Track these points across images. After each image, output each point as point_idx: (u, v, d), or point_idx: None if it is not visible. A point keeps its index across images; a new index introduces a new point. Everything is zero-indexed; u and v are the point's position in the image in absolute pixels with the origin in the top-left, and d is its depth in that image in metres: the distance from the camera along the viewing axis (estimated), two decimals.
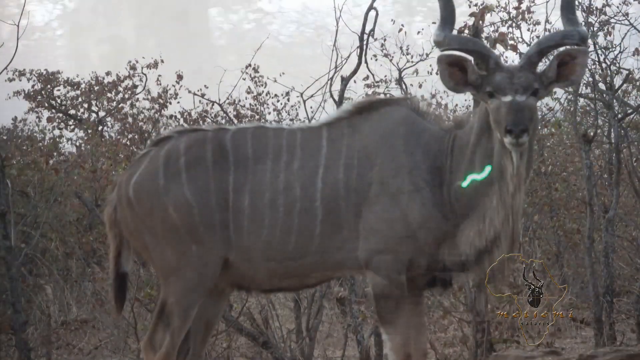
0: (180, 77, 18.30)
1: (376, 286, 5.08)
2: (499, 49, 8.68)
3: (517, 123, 4.84)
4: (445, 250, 5.14)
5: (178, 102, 24.20)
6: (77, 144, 19.53)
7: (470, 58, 5.04)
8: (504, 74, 5.00)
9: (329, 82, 9.72)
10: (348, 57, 9.74)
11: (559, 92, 10.83)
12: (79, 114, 20.41)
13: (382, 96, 6.09)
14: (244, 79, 16.43)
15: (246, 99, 17.28)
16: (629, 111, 10.92)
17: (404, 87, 11.90)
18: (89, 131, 17.85)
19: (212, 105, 14.88)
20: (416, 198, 5.06)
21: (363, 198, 5.04)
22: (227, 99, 12.92)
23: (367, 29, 9.45)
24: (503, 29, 9.96)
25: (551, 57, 5.24)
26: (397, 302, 5.10)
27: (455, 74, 5.00)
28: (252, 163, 5.08)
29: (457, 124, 5.27)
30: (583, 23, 10.39)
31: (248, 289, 5.33)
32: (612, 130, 10.37)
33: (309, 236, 5.03)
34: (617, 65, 10.52)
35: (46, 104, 20.28)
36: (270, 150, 5.11)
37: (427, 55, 12.33)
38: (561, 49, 5.15)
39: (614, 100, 10.35)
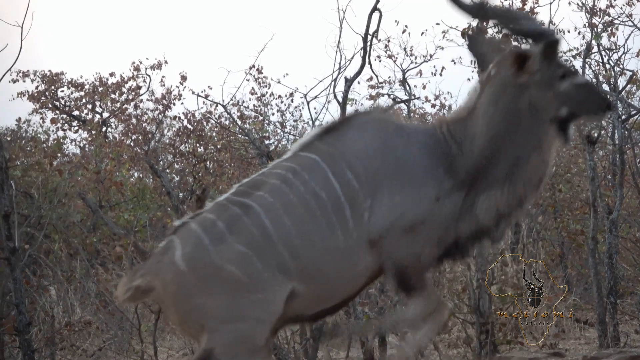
0: (184, 78, 18.34)
1: (402, 259, 5.18)
2: None
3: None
4: (463, 222, 5.26)
5: (182, 103, 24.30)
6: (81, 144, 19.59)
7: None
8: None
9: (333, 83, 9.73)
10: (352, 58, 9.76)
11: None
12: (83, 115, 20.47)
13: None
14: (248, 80, 16.49)
15: (250, 100, 17.33)
16: (633, 112, 10.92)
17: (407, 88, 11.92)
18: (93, 132, 17.91)
19: (216, 106, 14.92)
20: (431, 181, 5.22)
21: (374, 190, 5.15)
22: (231, 100, 12.92)
23: (371, 30, 9.46)
24: (505, 30, 9.93)
25: None
26: (422, 272, 5.26)
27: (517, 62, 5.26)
28: (269, 195, 5.17)
29: (440, 121, 5.41)
30: (587, 24, 10.42)
31: (301, 318, 5.39)
32: (615, 131, 10.36)
33: (346, 226, 5.15)
34: (621, 66, 10.53)
35: (50, 105, 20.33)
36: (273, 179, 5.20)
37: (431, 56, 12.36)
38: None
39: (618, 101, 10.34)
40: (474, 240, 5.31)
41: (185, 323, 5.15)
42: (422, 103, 15.87)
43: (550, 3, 9.98)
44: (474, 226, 5.27)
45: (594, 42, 10.33)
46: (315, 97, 10.22)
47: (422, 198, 5.18)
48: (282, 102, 17.44)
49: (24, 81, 20.21)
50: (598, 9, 10.46)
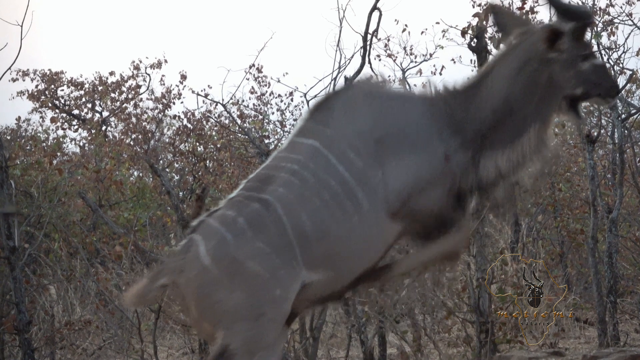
0: (184, 77, 18.35)
1: (429, 216, 5.29)
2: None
3: None
4: (466, 176, 5.38)
5: (182, 102, 24.33)
6: (81, 144, 19.59)
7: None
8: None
9: (333, 82, 9.73)
10: (352, 57, 9.76)
11: None
12: (83, 114, 20.47)
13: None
14: (248, 79, 16.50)
15: (250, 99, 17.33)
16: (633, 111, 10.91)
17: (407, 87, 11.91)
18: (93, 131, 17.92)
19: (216, 105, 14.91)
20: (436, 140, 5.31)
21: (382, 162, 5.19)
22: (231, 99, 12.92)
23: (371, 29, 9.46)
24: None
25: None
26: (450, 217, 5.38)
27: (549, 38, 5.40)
28: (283, 189, 5.18)
29: (436, 88, 5.47)
30: None
31: (325, 299, 5.43)
32: (615, 130, 10.36)
33: (360, 208, 5.15)
34: (621, 65, 10.52)
35: (50, 104, 20.32)
36: (282, 172, 5.22)
37: (431, 55, 12.36)
38: None
39: (618, 101, 10.34)
40: (473, 196, 5.40)
41: (204, 319, 5.16)
42: None
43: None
44: (476, 181, 5.36)
45: (593, 41, 10.32)
46: (315, 96, 10.19)
47: (432, 157, 5.26)
48: (281, 101, 17.43)
49: (24, 80, 20.22)
50: (598, 8, 10.46)
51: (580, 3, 10.30)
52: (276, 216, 5.08)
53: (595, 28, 10.31)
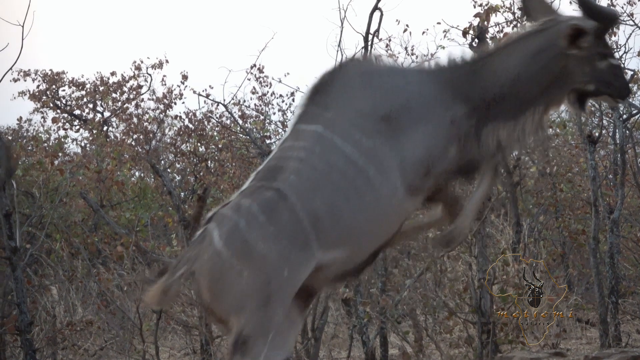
0: (185, 77, 18.35)
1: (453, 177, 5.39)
2: None
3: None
4: (469, 144, 5.43)
5: (183, 103, 24.33)
6: (82, 144, 19.59)
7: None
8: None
9: None
10: (353, 57, 9.74)
11: None
12: (84, 114, 20.47)
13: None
14: (249, 80, 16.50)
15: (251, 99, 17.34)
16: (634, 112, 10.91)
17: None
18: (94, 131, 17.92)
19: (217, 105, 14.92)
20: (440, 107, 5.35)
21: (390, 137, 5.22)
22: (232, 99, 12.92)
23: (372, 29, 9.46)
24: (508, 30, 9.95)
25: None
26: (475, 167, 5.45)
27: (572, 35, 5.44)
28: (295, 176, 5.19)
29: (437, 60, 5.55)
30: None
31: (345, 275, 5.45)
32: (617, 130, 10.35)
33: (373, 187, 5.18)
34: (622, 65, 10.50)
35: (51, 104, 20.33)
36: (290, 162, 5.23)
37: (432, 55, 12.35)
38: None
39: None
40: (476, 164, 5.45)
41: (216, 304, 5.17)
42: None
43: (551, 2, 9.97)
44: (476, 149, 5.40)
45: None
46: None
47: (440, 126, 5.30)
48: (283, 101, 17.44)
49: (25, 80, 20.22)
50: None
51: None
52: (290, 204, 5.09)
53: None
